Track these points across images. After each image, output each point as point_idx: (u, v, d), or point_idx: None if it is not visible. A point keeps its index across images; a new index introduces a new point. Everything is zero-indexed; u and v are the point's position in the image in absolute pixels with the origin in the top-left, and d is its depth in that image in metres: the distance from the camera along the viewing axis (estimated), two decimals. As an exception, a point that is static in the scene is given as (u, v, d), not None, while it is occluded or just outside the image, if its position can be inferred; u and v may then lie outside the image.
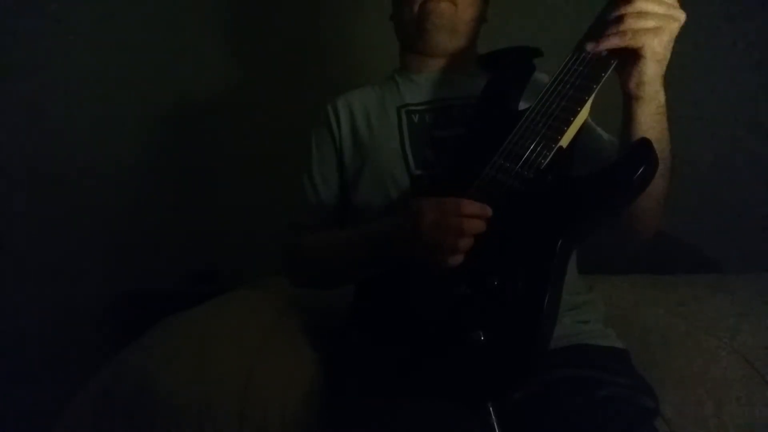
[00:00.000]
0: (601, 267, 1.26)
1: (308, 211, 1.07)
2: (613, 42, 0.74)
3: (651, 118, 0.77)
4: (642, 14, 0.72)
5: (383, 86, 1.11)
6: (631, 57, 0.74)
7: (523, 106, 0.91)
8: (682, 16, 0.73)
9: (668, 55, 0.74)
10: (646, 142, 0.72)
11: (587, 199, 0.74)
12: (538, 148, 0.78)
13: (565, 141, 0.78)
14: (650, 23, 0.72)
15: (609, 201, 0.74)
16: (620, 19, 0.73)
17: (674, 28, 0.73)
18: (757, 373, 0.94)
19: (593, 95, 0.77)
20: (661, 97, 0.77)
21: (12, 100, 1.85)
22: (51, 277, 1.88)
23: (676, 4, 0.74)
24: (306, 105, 1.26)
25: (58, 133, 1.87)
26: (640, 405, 0.81)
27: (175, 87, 1.89)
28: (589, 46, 0.75)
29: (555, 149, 0.77)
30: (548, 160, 0.77)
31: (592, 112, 0.82)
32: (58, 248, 1.89)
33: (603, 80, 0.76)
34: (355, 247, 0.93)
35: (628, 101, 0.78)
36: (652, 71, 0.74)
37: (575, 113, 0.77)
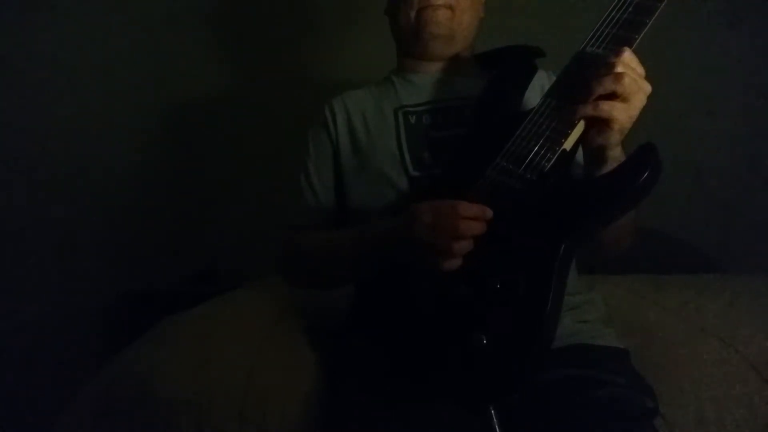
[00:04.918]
0: (601, 267, 1.26)
1: (305, 212, 1.07)
2: (590, 111, 0.74)
3: None
4: (621, 77, 0.72)
5: (380, 87, 1.11)
6: (598, 122, 0.75)
7: (524, 107, 0.91)
8: (649, 88, 0.74)
9: (630, 125, 0.75)
10: (650, 147, 0.72)
11: (592, 203, 0.74)
12: (542, 151, 0.78)
13: (568, 144, 0.77)
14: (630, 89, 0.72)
15: (614, 204, 0.74)
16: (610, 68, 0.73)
17: (643, 100, 0.74)
18: (757, 373, 0.94)
19: None
20: (621, 156, 0.78)
21: (12, 99, 1.85)
22: (51, 277, 1.88)
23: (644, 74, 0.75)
24: (304, 105, 1.26)
25: (58, 133, 1.87)
26: (640, 405, 0.80)
27: (174, 87, 1.89)
28: (567, 111, 0.76)
29: (559, 152, 0.76)
30: (552, 162, 0.76)
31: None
32: (59, 248, 1.89)
33: None
34: (353, 248, 0.93)
35: (589, 161, 0.81)
36: (615, 139, 0.76)
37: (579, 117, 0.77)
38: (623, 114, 0.73)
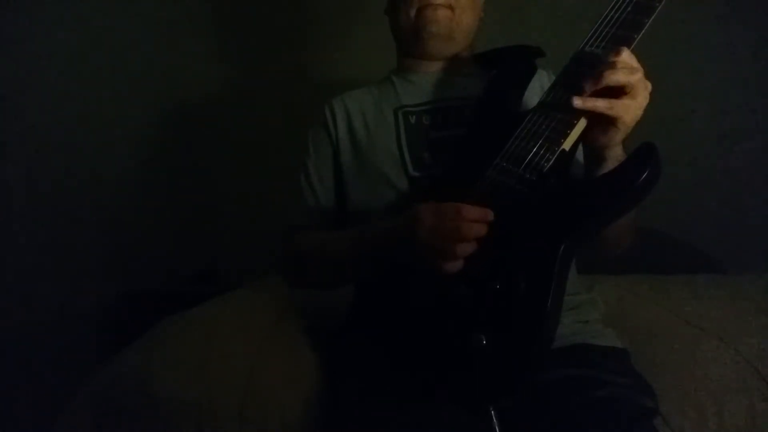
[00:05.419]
0: (601, 267, 1.26)
1: (305, 212, 1.07)
2: (599, 105, 0.74)
3: None
4: (629, 70, 0.72)
5: (380, 87, 1.11)
6: (603, 121, 0.75)
7: (524, 107, 0.91)
8: (650, 86, 0.75)
9: (634, 123, 0.76)
10: (650, 146, 0.72)
11: (592, 203, 0.74)
12: (541, 151, 0.78)
13: (568, 144, 0.77)
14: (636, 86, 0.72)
15: (614, 204, 0.74)
16: (612, 66, 0.73)
17: (647, 98, 0.74)
18: (757, 373, 0.94)
19: None
20: (622, 156, 0.78)
21: (12, 99, 1.85)
22: (51, 277, 1.88)
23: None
24: (304, 105, 1.26)
25: (58, 132, 1.87)
26: (639, 405, 0.80)
27: (174, 87, 1.89)
28: (576, 102, 0.75)
29: (558, 152, 0.76)
30: (551, 163, 0.76)
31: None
32: (58, 248, 1.89)
33: None
34: (353, 248, 0.93)
35: (590, 161, 0.81)
36: (618, 137, 0.76)
37: (579, 116, 0.77)
38: (631, 112, 0.74)
